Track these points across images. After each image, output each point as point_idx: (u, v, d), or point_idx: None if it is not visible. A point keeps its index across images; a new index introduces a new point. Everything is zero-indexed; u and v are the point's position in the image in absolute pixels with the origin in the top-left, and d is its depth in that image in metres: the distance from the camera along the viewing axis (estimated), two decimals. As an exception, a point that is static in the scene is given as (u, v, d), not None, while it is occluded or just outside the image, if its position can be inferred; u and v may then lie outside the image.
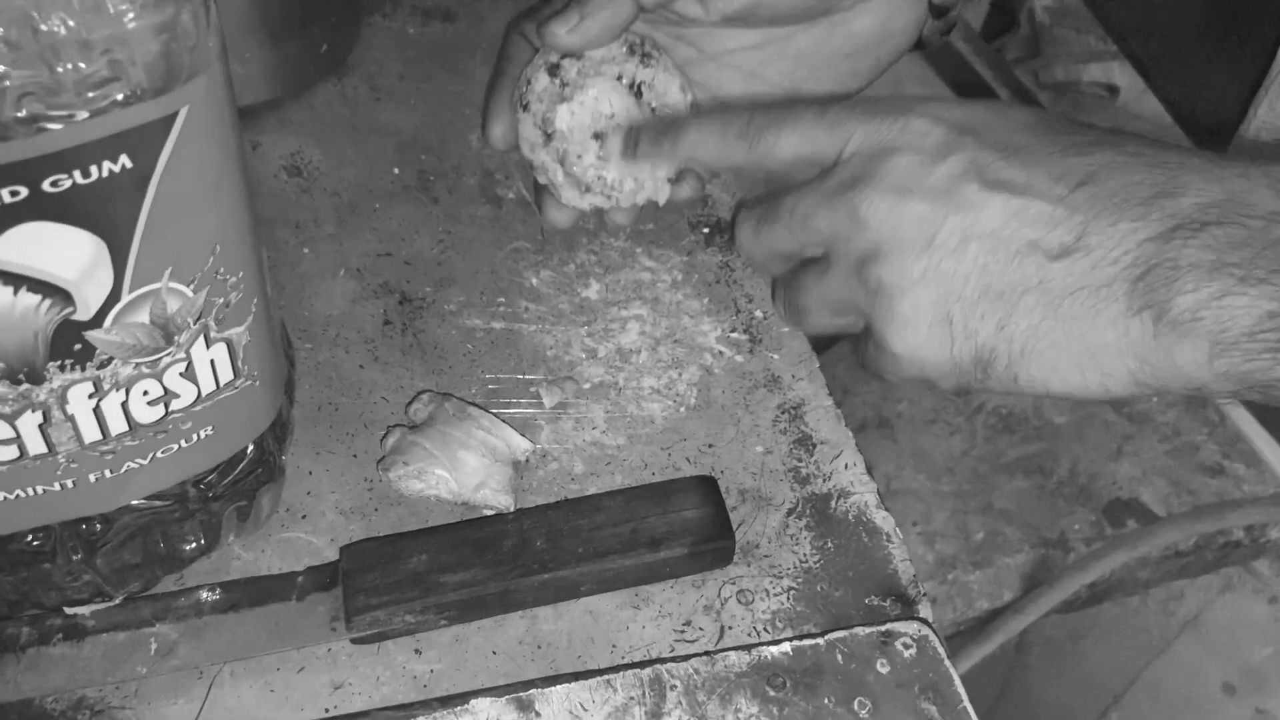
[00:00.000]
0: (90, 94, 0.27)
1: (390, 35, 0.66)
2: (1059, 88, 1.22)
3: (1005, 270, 0.35)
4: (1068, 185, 0.35)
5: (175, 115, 0.29)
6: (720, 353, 0.52)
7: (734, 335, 0.53)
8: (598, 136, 0.46)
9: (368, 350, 0.50)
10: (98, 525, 0.37)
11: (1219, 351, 0.33)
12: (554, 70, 0.46)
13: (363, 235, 0.55)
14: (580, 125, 0.46)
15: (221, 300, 0.34)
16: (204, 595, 0.41)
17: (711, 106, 0.49)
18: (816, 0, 0.46)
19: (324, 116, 0.61)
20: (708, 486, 0.45)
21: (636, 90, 0.46)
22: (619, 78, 0.46)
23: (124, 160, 0.29)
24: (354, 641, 0.41)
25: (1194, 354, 0.33)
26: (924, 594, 0.44)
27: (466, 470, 0.44)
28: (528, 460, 0.47)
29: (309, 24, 0.60)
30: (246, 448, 0.39)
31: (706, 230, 0.57)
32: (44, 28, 0.27)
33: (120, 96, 0.28)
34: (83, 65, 0.27)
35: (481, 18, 0.68)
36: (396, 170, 0.58)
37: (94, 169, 0.28)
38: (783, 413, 0.50)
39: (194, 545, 0.40)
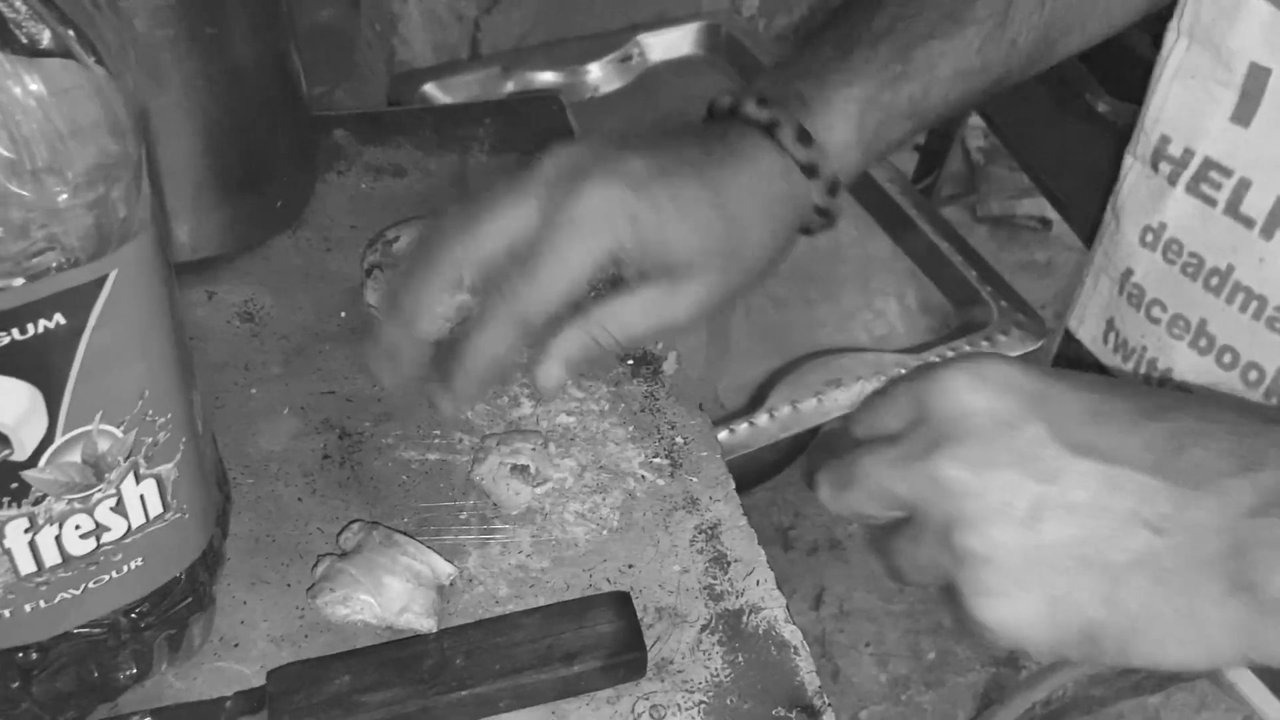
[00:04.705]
0: (28, 263, 0.31)
1: (343, 190, 0.71)
2: (995, 221, 1.28)
3: (1108, 542, 0.34)
4: (1156, 453, 0.34)
5: (105, 278, 0.33)
6: (642, 477, 0.55)
7: (656, 460, 0.56)
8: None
9: (306, 483, 0.53)
10: (34, 654, 0.40)
11: None
12: None
13: (307, 375, 0.59)
14: None
15: (150, 439, 0.37)
16: (135, 721, 0.43)
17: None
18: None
19: (277, 266, 0.65)
20: (621, 601, 0.47)
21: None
22: None
23: (58, 318, 0.33)
24: (279, 763, 0.43)
25: None
26: (828, 704, 0.46)
27: (390, 595, 0.46)
28: (453, 584, 0.49)
29: (264, 182, 0.66)
30: (178, 577, 0.42)
31: (632, 362, 0.61)
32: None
33: (55, 265, 0.32)
34: (22, 242, 0.31)
35: (430, 173, 0.73)
36: (343, 314, 0.63)
37: (30, 326, 0.32)
38: (700, 533, 0.53)
39: (127, 674, 0.43)
